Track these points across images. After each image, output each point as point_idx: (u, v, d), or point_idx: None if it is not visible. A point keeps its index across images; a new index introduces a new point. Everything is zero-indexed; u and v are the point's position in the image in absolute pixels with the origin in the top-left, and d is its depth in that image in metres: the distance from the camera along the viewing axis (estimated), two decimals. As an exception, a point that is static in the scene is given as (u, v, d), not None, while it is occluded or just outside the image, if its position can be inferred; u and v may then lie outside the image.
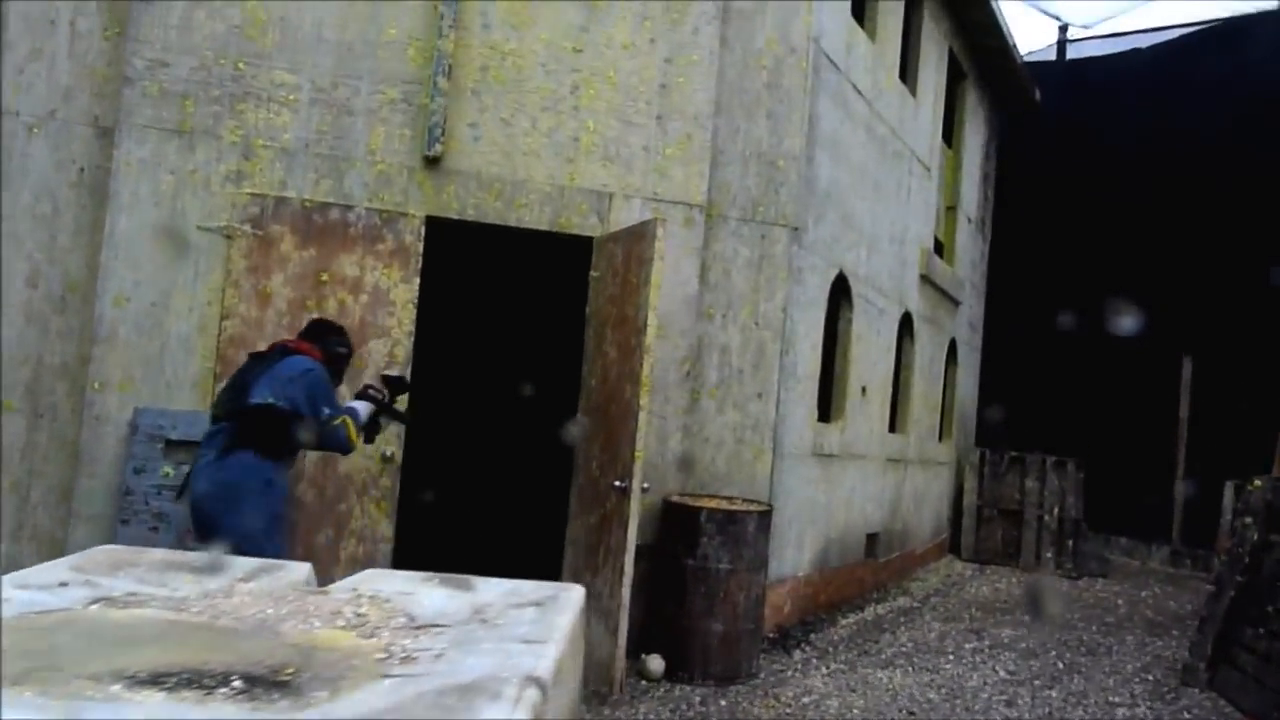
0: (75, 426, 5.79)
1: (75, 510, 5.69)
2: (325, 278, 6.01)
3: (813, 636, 7.32)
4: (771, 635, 7.05)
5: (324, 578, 5.78)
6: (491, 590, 2.74)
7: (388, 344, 6.09)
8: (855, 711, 5.70)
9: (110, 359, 5.75)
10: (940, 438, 11.73)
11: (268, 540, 4.34)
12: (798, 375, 7.32)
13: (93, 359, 5.72)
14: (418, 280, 6.14)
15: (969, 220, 12.10)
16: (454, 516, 6.51)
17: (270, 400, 4.47)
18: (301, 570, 2.87)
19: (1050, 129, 13.53)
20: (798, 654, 6.84)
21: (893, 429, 9.87)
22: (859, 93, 8.13)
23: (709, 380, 6.86)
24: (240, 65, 5.95)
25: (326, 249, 6.02)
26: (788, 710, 5.62)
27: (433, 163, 6.18)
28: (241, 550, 4.25)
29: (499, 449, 7.08)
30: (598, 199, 6.45)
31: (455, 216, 6.24)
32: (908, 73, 9.68)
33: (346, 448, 4.68)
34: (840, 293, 8.23)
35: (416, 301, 6.13)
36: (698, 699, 5.73)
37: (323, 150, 6.05)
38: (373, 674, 2.00)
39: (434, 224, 6.20)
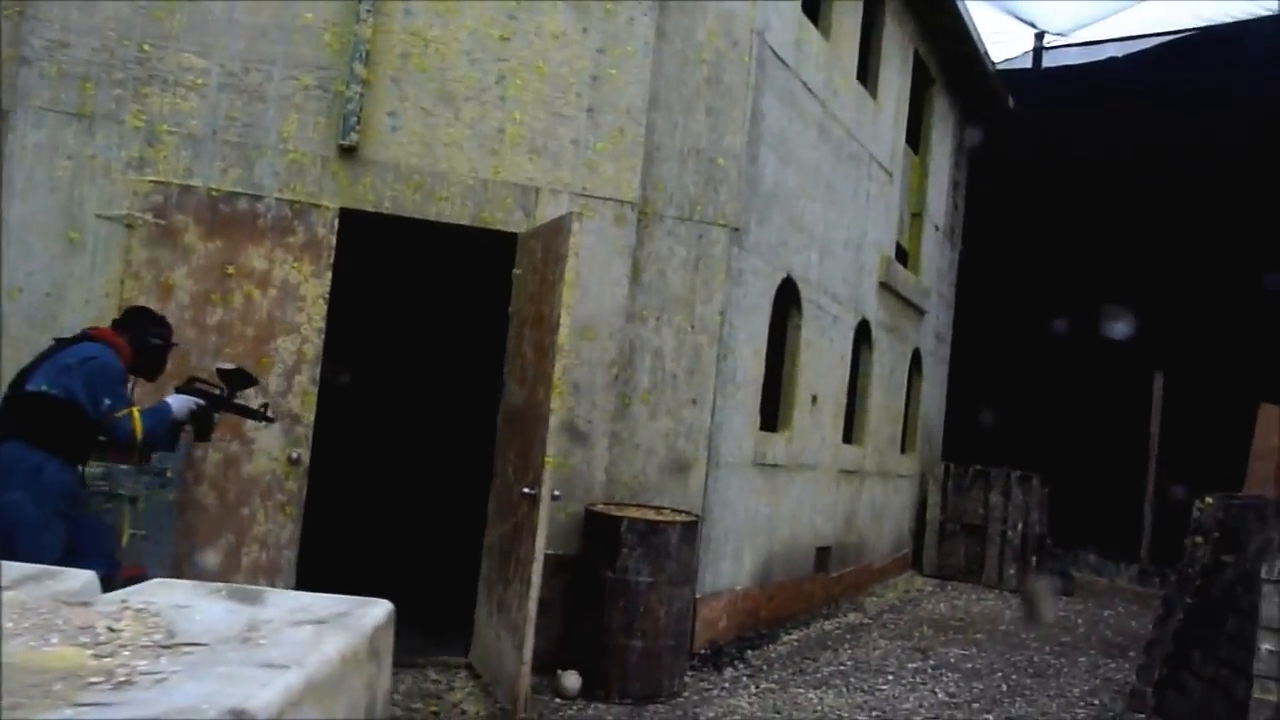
0: (-37, 422, 5.50)
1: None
2: (232, 270, 5.72)
3: (749, 654, 7.03)
4: (703, 652, 6.76)
5: (227, 583, 5.48)
6: (280, 605, 2.46)
7: (296, 341, 5.81)
8: (776, 734, 5.43)
9: (3, 353, 5.46)
10: (904, 450, 11.46)
11: (35, 534, 4.05)
12: (736, 382, 7.06)
13: (-19, 351, 5.43)
14: (330, 275, 5.87)
15: (936, 228, 11.86)
16: (368, 523, 6.23)
17: (44, 389, 4.19)
18: (78, 579, 2.57)
19: (1025, 138, 13.31)
20: (729, 672, 6.56)
21: (849, 440, 9.60)
22: (810, 91, 7.89)
23: (641, 385, 6.59)
24: (146, 47, 5.68)
25: (233, 241, 5.74)
26: (703, 733, 5.34)
27: (348, 152, 5.91)
28: (6, 543, 3.97)
29: (417, 452, 6.81)
30: (523, 194, 6.19)
31: (371, 209, 5.97)
32: (868, 74, 9.45)
33: (129, 443, 4.31)
34: (788, 298, 7.97)
35: (328, 297, 5.86)
36: (610, 718, 5.45)
37: (232, 138, 5.77)
38: (59, 702, 1.72)
39: (349, 216, 5.93)
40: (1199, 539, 6.32)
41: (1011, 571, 11.07)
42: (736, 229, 6.87)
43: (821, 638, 7.86)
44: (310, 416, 5.83)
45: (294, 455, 5.77)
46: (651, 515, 6.00)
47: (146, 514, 5.39)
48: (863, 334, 9.64)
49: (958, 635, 8.49)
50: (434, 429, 6.91)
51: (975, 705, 6.32)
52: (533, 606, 5.19)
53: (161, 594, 2.51)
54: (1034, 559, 10.97)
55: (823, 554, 8.95)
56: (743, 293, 7.07)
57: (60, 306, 5.53)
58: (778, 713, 5.79)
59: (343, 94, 5.87)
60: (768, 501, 7.71)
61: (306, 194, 5.87)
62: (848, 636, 8.02)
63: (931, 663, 7.36)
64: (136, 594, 2.52)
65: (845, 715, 5.86)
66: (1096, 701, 6.65)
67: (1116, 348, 12.21)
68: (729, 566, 7.18)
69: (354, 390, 6.07)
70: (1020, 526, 11.13)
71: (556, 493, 5.38)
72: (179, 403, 4.57)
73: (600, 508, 6.02)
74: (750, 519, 7.45)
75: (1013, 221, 13.25)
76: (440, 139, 6.08)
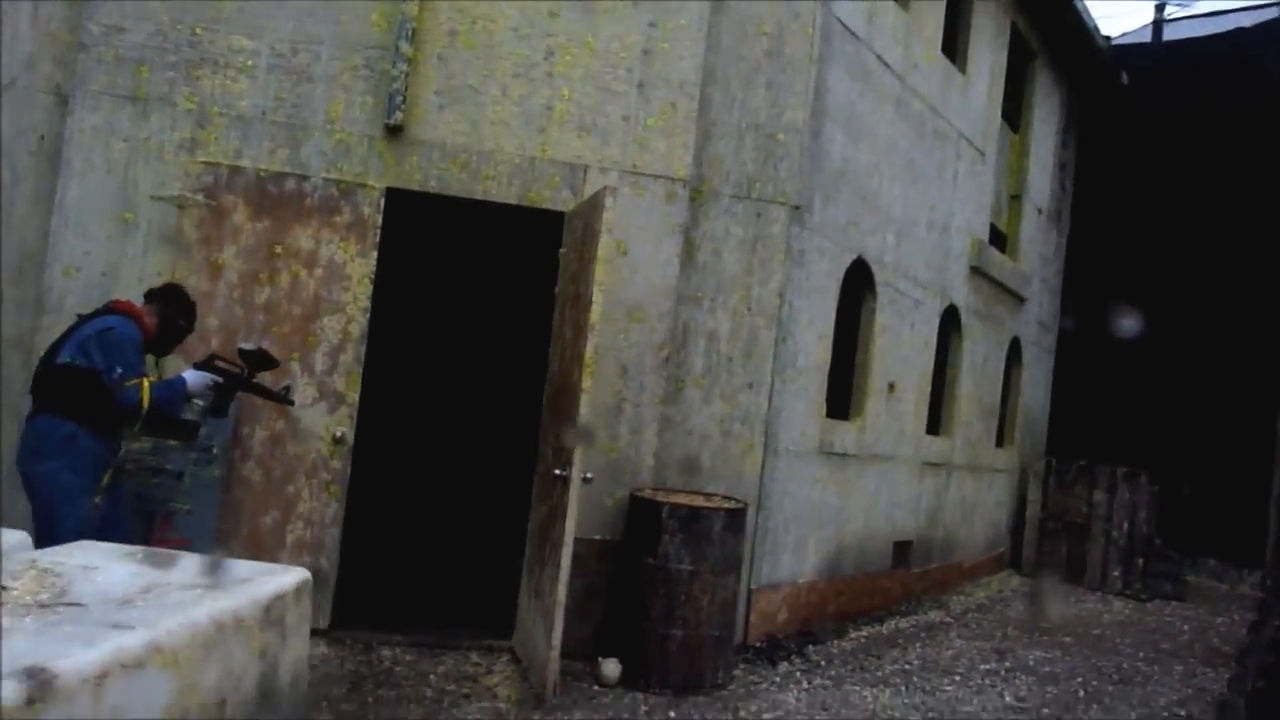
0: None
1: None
2: (279, 250, 5.79)
3: (810, 648, 6.77)
4: (758, 645, 6.54)
5: (272, 560, 5.54)
6: (187, 570, 2.40)
7: (342, 320, 5.84)
8: (818, 732, 5.18)
9: (59, 330, 5.62)
10: (1001, 444, 10.93)
11: (74, 502, 4.13)
12: (798, 366, 6.79)
13: (40, 329, 5.60)
14: (375, 254, 5.88)
15: (1039, 211, 11.25)
16: (414, 503, 6.22)
17: (69, 361, 4.30)
18: (12, 539, 2.58)
19: (1142, 116, 12.49)
20: (784, 666, 6.31)
21: (934, 431, 9.18)
22: (885, 64, 7.54)
23: (695, 369, 6.40)
24: (198, 31, 5.77)
25: (281, 221, 5.80)
26: (739, 727, 5.13)
27: (394, 132, 5.89)
28: (45, 509, 4.06)
29: (463, 434, 6.75)
30: (571, 172, 6.07)
31: (418, 188, 5.94)
32: (957, 47, 8.99)
33: (134, 412, 4.36)
34: (861, 281, 7.64)
35: (374, 277, 5.87)
36: (645, 709, 5.29)
37: (280, 119, 5.82)
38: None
39: (395, 196, 5.92)
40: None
41: (1116, 574, 10.42)
42: (797, 207, 6.60)
43: (893, 635, 7.52)
44: (355, 396, 5.85)
45: (339, 434, 5.79)
46: (696, 501, 5.81)
47: (193, 489, 5.48)
48: (950, 320, 9.20)
49: (1044, 637, 8.01)
50: (485, 411, 6.85)
51: (1045, 710, 5.92)
52: (562, 590, 5.07)
53: (77, 556, 2.47)
54: (1140, 561, 10.30)
55: (902, 549, 8.58)
56: (805, 274, 6.79)
57: (114, 285, 5.65)
58: (824, 709, 5.53)
59: (388, 73, 5.86)
60: (836, 492, 7.41)
61: (353, 174, 5.88)
62: (922, 635, 7.65)
63: (1007, 664, 6.95)
64: (54, 555, 2.50)
65: (898, 715, 5.55)
66: (1183, 713, 6.15)
67: (1240, 339, 11.36)
68: (789, 558, 6.92)
69: (404, 371, 6.07)
70: (1126, 526, 10.47)
71: (589, 474, 5.25)
72: (195, 378, 4.62)
73: (644, 493, 5.86)
74: (815, 509, 7.17)
75: (1128, 206, 12.44)
76: (487, 117, 6.01)
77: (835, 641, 7.09)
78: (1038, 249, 11.35)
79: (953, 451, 9.37)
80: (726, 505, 5.84)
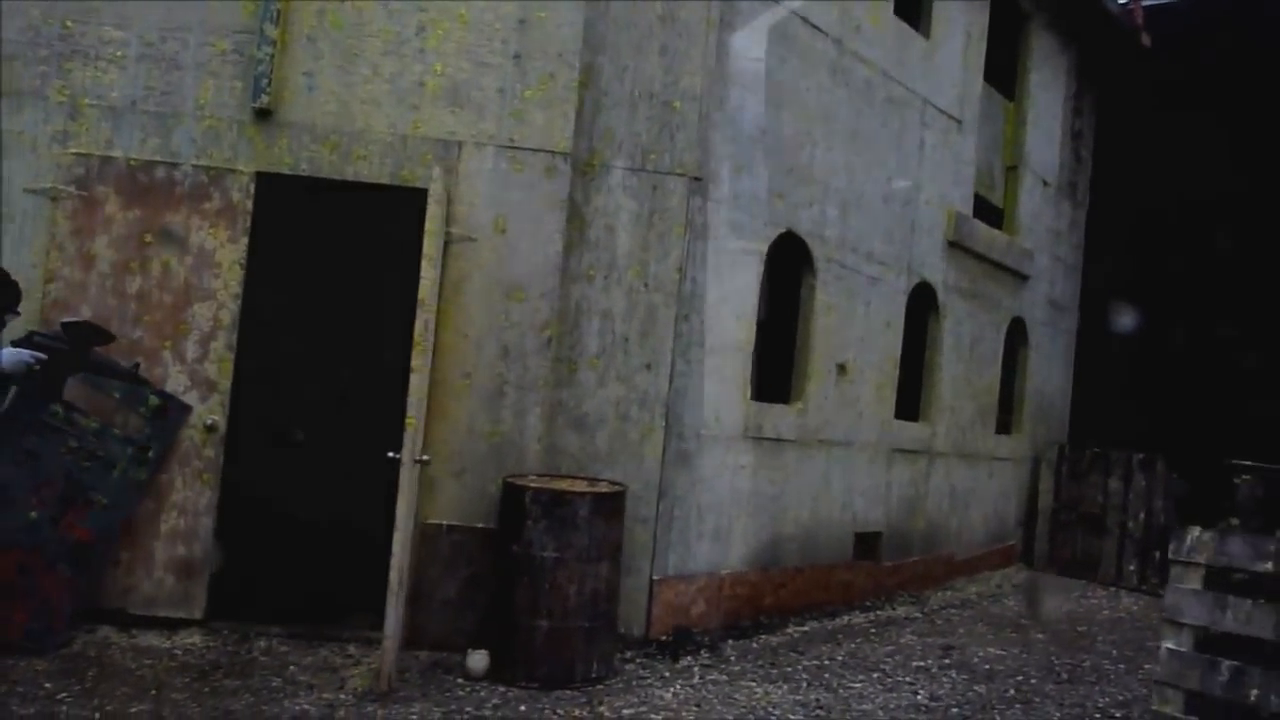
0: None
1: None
2: (150, 239, 5.76)
3: (730, 643, 6.44)
4: (664, 638, 6.22)
5: (143, 552, 5.51)
6: None
7: (213, 307, 5.78)
8: (672, 730, 4.86)
9: (-62, 324, 5.72)
10: (1007, 430, 10.31)
11: None
12: (707, 346, 6.46)
13: (-83, 324, 5.70)
14: (246, 240, 5.81)
15: (1044, 183, 10.59)
16: (289, 490, 6.10)
17: None
18: None
19: (1170, 79, 11.64)
20: (686, 661, 6.00)
21: (911, 416, 8.69)
22: (814, 28, 7.14)
23: (588, 349, 6.15)
24: (68, 24, 5.79)
25: (152, 209, 5.78)
26: (587, 723, 4.85)
27: (263, 115, 5.81)
28: None
29: (339, 418, 6.59)
30: (444, 148, 5.89)
31: (288, 171, 5.85)
32: (921, 10, 8.49)
33: None
34: (797, 257, 7.26)
35: (244, 262, 5.80)
36: (496, 702, 5.05)
37: (150, 107, 5.80)
38: None
39: (266, 180, 5.84)
40: (1233, 521, 5.19)
41: (1132, 567, 9.71)
42: (698, 179, 6.29)
43: (836, 631, 7.10)
44: (227, 383, 5.79)
45: (210, 422, 5.73)
46: (562, 485, 5.55)
47: (117, 484, 5.47)
48: (925, 299, 8.69)
49: (1014, 635, 7.46)
50: (368, 396, 6.69)
51: (954, 711, 5.46)
52: (395, 576, 4.90)
53: None
54: (1157, 554, 9.56)
55: (868, 540, 8.12)
56: (713, 249, 6.46)
57: (-10, 279, 5.71)
58: (698, 706, 5.20)
59: (255, 57, 5.79)
60: (770, 479, 7.04)
61: (222, 159, 5.82)
62: (872, 631, 7.21)
63: (946, 662, 6.48)
64: None
65: (777, 713, 5.19)
66: (1119, 715, 5.61)
67: (1271, 323, 10.49)
68: (707, 547, 6.59)
69: (284, 357, 5.96)
70: (1143, 516, 9.74)
71: (425, 457, 5.06)
72: (10, 357, 4.58)
73: (514, 478, 5.63)
74: (740, 497, 6.81)
75: (1154, 177, 11.60)
76: (358, 96, 5.88)
77: (764, 636, 6.72)
78: (1044, 223, 10.68)
79: (933, 438, 8.85)
80: (597, 490, 5.56)
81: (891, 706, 5.47)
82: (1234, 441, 10.35)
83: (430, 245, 4.91)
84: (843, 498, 7.76)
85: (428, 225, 4.92)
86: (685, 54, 6.28)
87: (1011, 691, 5.92)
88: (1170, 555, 3.74)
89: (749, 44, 6.60)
